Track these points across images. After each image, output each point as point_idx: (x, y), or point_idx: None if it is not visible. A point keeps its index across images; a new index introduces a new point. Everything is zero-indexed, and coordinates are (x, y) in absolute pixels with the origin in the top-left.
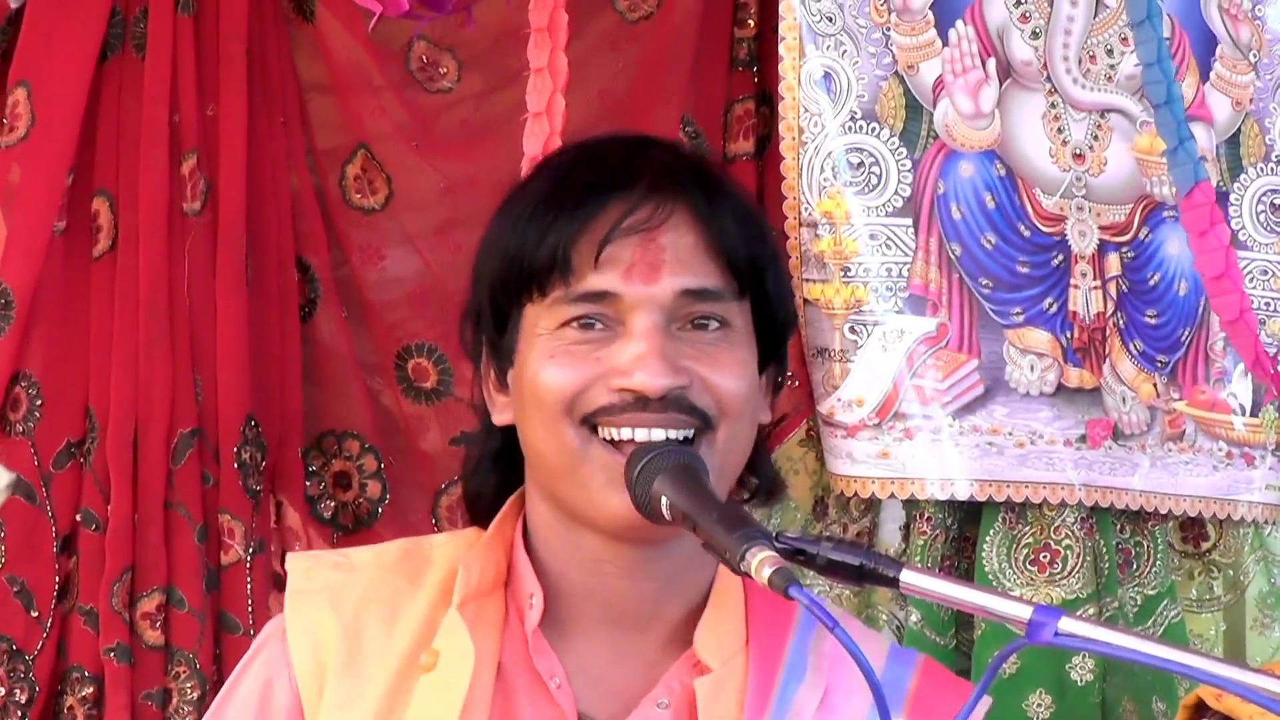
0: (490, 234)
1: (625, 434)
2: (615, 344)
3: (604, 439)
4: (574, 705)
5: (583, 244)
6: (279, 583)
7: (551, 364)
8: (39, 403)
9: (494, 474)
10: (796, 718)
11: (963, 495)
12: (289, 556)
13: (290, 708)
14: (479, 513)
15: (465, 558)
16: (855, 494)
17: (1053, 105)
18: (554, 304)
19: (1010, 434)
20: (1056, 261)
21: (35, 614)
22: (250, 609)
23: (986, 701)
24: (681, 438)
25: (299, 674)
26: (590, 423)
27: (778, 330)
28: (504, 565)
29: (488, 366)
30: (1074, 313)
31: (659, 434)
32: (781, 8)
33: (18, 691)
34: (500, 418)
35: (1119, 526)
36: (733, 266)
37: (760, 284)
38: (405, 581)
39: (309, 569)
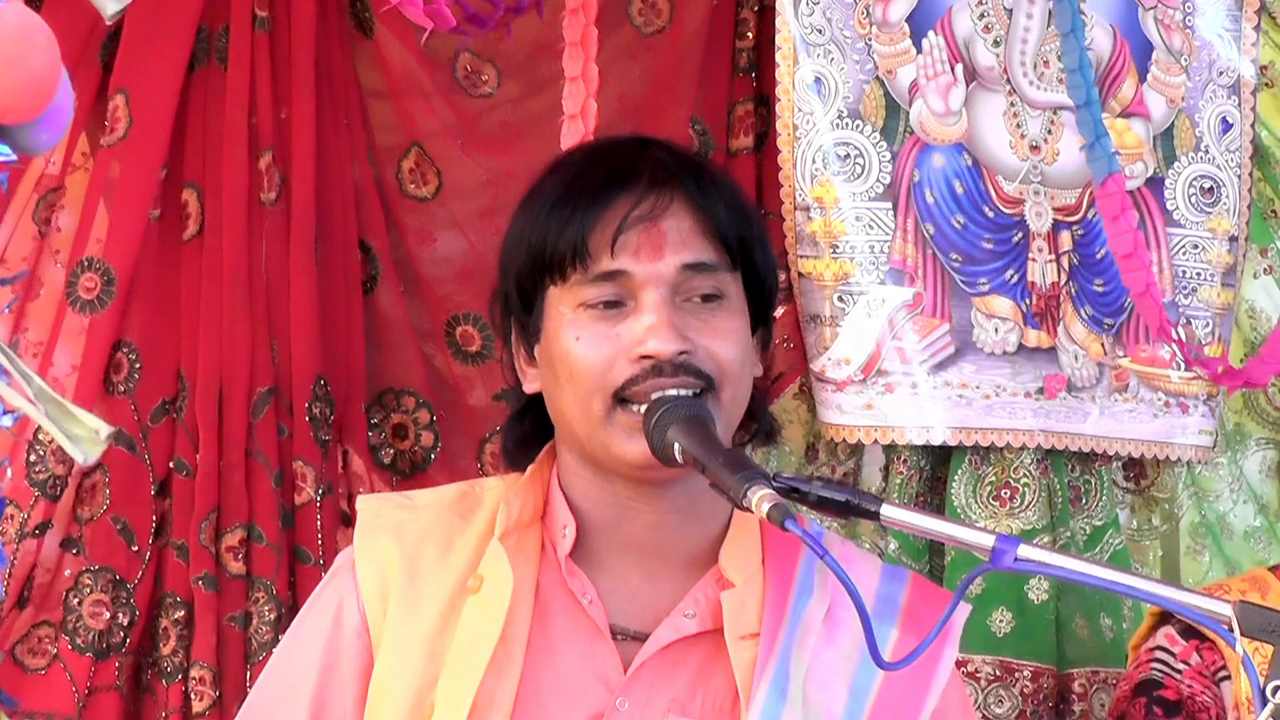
0: (514, 227)
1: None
2: (629, 319)
3: (628, 408)
4: (606, 618)
5: (598, 234)
6: (345, 520)
7: (579, 344)
8: (138, 366)
9: (522, 429)
10: (807, 627)
11: (937, 441)
12: (360, 498)
13: (358, 626)
14: (511, 459)
15: (506, 495)
16: (843, 440)
17: (1012, 104)
18: (574, 286)
19: (978, 387)
20: (1016, 239)
21: (136, 548)
22: (320, 542)
23: (966, 609)
24: (691, 393)
25: (365, 597)
26: (619, 396)
27: (766, 298)
28: (541, 502)
29: (518, 344)
30: (1032, 283)
31: (672, 392)
32: (778, 21)
33: (120, 615)
34: (530, 387)
35: (1070, 466)
36: (725, 243)
37: (750, 258)
38: (459, 518)
39: (378, 508)
